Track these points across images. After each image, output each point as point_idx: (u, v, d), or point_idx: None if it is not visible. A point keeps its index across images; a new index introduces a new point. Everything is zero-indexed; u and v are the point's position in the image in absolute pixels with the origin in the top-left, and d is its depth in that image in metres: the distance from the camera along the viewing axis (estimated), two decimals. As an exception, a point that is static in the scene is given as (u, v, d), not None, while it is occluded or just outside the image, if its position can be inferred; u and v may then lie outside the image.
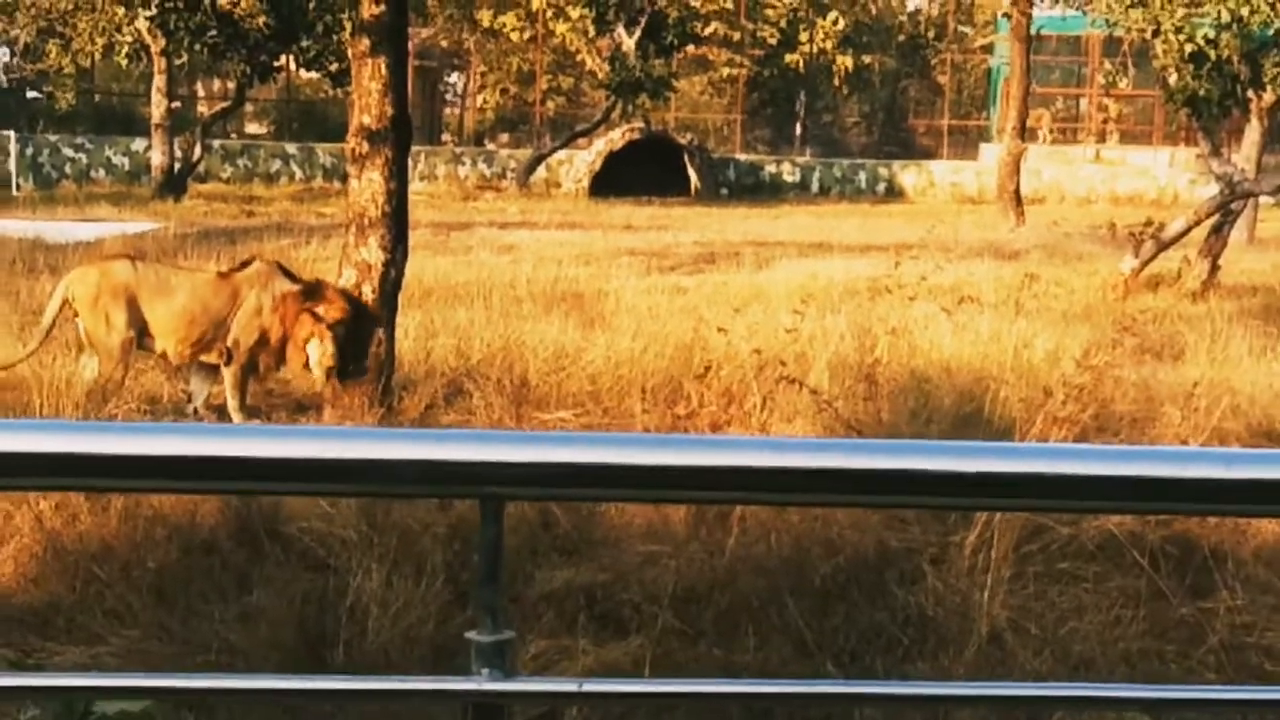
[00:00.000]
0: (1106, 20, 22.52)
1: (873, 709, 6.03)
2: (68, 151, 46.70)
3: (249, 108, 55.25)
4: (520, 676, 2.28)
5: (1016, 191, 35.52)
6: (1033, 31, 37.51)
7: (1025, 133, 36.67)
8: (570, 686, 2.36)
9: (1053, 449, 3.98)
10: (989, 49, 60.11)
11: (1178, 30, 20.39)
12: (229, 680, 3.47)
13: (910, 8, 68.62)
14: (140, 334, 11.10)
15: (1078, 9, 26.24)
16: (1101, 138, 56.37)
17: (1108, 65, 51.54)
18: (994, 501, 3.37)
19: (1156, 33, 20.91)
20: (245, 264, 11.55)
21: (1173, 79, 21.09)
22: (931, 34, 65.79)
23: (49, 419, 9.54)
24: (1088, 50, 57.18)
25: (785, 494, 2.58)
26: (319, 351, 10.84)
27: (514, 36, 56.49)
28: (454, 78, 69.25)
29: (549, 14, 52.28)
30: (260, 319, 10.96)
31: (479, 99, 64.95)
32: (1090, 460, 2.41)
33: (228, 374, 11.03)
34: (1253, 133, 26.16)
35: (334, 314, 10.91)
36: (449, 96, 69.32)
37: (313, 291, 11.09)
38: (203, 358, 11.11)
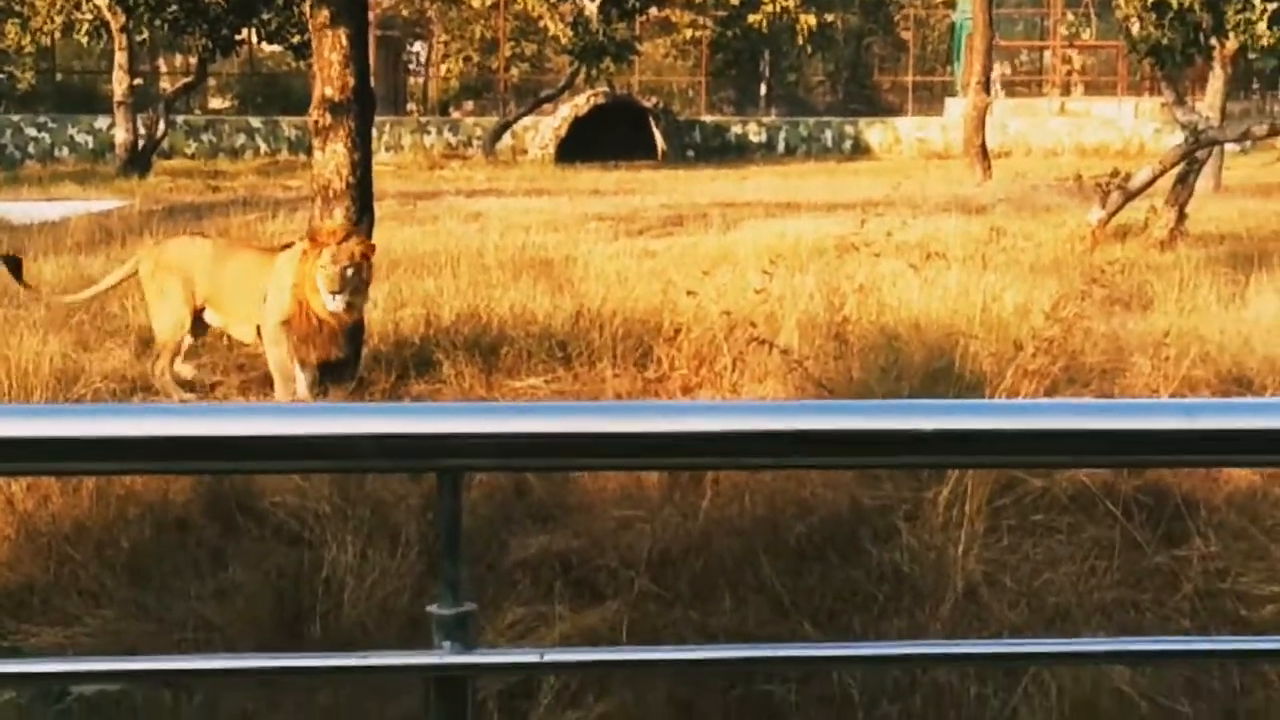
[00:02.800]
0: (1068, -29, 22.58)
1: (851, 669, 6.06)
2: (30, 131, 46.57)
3: (212, 82, 55.02)
4: (482, 649, 2.28)
5: (983, 146, 35.56)
6: (994, -15, 37.52)
7: (990, 86, 36.66)
8: (533, 657, 2.36)
9: (1021, 405, 3.99)
10: (951, 4, 60.05)
11: (1140, -20, 20.41)
12: (202, 661, 3.46)
13: (872, -37, 68.60)
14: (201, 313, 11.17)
15: (1039, -39, 26.31)
16: (1066, 90, 56.41)
17: (1070, 17, 51.68)
18: (966, 459, 3.38)
19: (1119, -17, 20.93)
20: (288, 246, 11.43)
21: (1135, 29, 21.11)
22: (894, -11, 65.78)
23: (15, 403, 9.50)
24: (1050, 3, 57.22)
25: (755, 458, 2.58)
26: (325, 276, 10.58)
27: (476, 3, 56.36)
28: (417, 47, 69.08)
29: (510, -20, 52.15)
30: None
31: (443, 68, 64.76)
32: (1058, 415, 2.42)
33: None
34: (1216, 80, 26.24)
35: (329, 232, 10.74)
36: (412, 66, 69.13)
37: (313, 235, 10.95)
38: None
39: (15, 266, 11.47)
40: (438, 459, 2.19)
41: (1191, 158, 20.35)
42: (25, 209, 25.53)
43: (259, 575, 7.19)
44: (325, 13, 11.16)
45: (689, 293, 11.97)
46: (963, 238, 18.00)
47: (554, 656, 2.41)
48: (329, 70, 11.22)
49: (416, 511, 7.75)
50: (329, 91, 11.21)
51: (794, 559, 7.42)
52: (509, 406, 3.85)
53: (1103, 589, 7.15)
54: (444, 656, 2.21)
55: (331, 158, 11.25)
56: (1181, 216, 19.98)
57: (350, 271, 10.59)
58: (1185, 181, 20.24)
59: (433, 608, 2.24)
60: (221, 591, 7.12)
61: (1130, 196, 20.00)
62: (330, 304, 10.57)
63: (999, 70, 53.82)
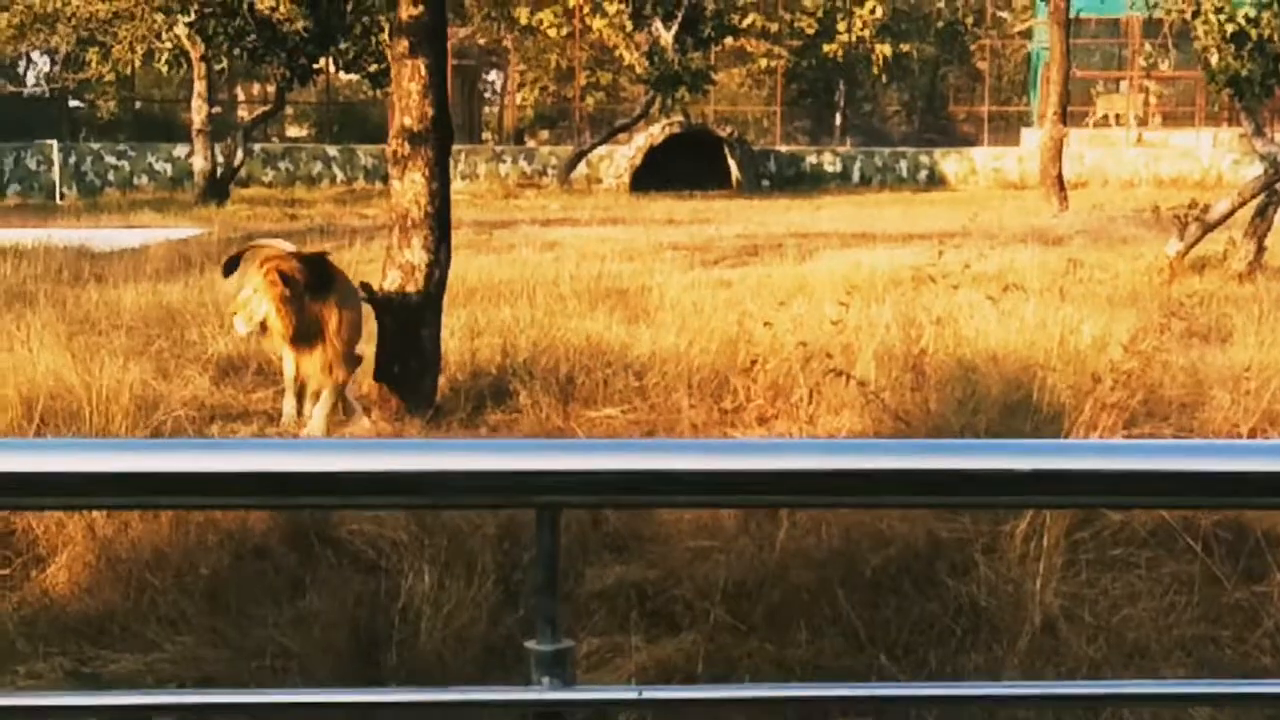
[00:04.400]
0: (1146, 2, 22.46)
1: (928, 708, 6.02)
2: (110, 159, 46.91)
3: (289, 111, 55.33)
4: (579, 685, 2.28)
5: (1059, 176, 35.42)
6: (1072, 15, 37.41)
7: (1067, 117, 36.51)
8: (630, 694, 2.35)
9: (1103, 446, 3.96)
10: (1028, 34, 59.89)
11: (1218, 10, 20.30)
12: (284, 695, 3.48)
13: (948, -6, 68.44)
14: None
15: (1117, -9, 26.18)
16: (1143, 121, 56.08)
17: (1148, 47, 51.40)
18: (1046, 500, 3.35)
19: (1197, 13, 20.83)
20: None
21: (1214, 59, 20.99)
22: (970, 20, 65.51)
23: (100, 438, 9.56)
24: (1128, 32, 56.90)
25: (838, 496, 2.57)
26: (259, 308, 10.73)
27: (552, 33, 56.47)
28: (493, 76, 69.39)
29: (586, 10, 52.23)
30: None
31: (518, 96, 64.97)
32: (1141, 455, 2.40)
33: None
34: (1296, 112, 26.05)
35: (271, 266, 10.80)
36: (488, 95, 69.44)
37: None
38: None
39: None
40: (536, 495, 2.19)
41: (1271, 189, 20.18)
42: (106, 235, 25.77)
43: (336, 603, 7.21)
44: (405, 42, 11.22)
45: (765, 323, 11.97)
46: (1040, 269, 17.92)
47: (652, 694, 2.41)
48: (408, 100, 11.26)
49: (493, 541, 7.76)
50: (408, 121, 11.26)
51: (870, 591, 7.39)
52: (606, 442, 3.87)
53: (1182, 625, 7.10)
54: (543, 693, 2.21)
55: (410, 187, 11.29)
56: (1261, 249, 19.81)
57: (249, 293, 10.80)
58: (1264, 214, 20.08)
59: (531, 643, 2.24)
60: (299, 619, 7.14)
61: (1209, 228, 19.87)
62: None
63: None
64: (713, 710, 2.47)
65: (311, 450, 2.32)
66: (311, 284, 10.68)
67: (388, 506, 5.97)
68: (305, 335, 10.74)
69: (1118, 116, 53.89)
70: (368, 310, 11.44)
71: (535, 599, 2.27)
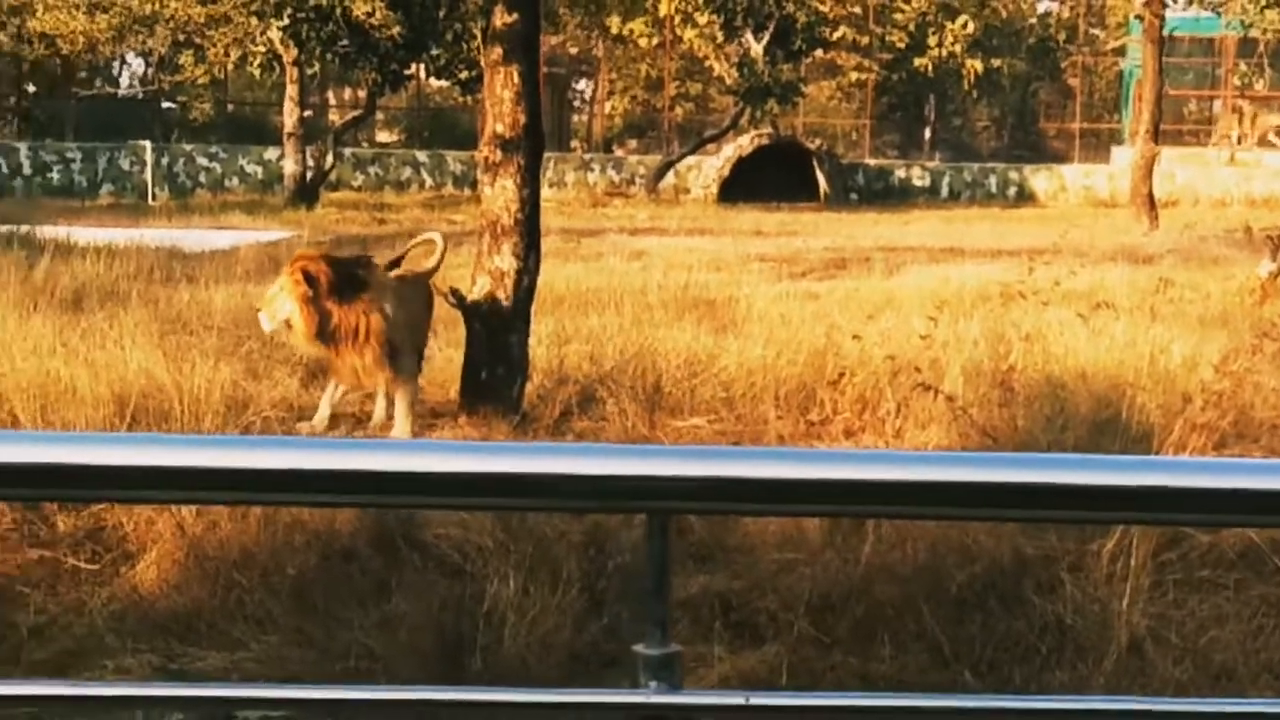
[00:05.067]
0: (1241, 21, 22.35)
1: None
2: (202, 161, 47.27)
3: (380, 116, 55.71)
4: (687, 690, 2.28)
5: (1150, 195, 35.17)
6: (1165, 33, 37.13)
7: (1158, 135, 36.27)
8: (737, 699, 2.36)
9: (1193, 463, 3.94)
10: (1121, 51, 59.49)
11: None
12: (376, 692, 3.50)
13: (1040, 10, 68.10)
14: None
15: (1212, 10, 25.99)
16: (1241, 139, 55.63)
17: (1242, 66, 51.04)
18: (1133, 516, 3.33)
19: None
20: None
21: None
22: (1062, 36, 65.16)
23: (191, 434, 9.65)
24: (1222, 51, 56.52)
25: (963, 508, 2.57)
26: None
27: (642, 43, 56.58)
28: (582, 84, 69.55)
29: (677, 20, 52.25)
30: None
31: (607, 105, 65.13)
32: (1231, 474, 2.38)
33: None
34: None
35: (298, 266, 10.89)
36: (577, 103, 69.61)
37: None
38: None
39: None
40: (648, 500, 2.20)
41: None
42: (196, 237, 25.97)
43: (421, 606, 7.24)
44: (498, 50, 11.26)
45: (854, 336, 11.94)
46: (1130, 287, 17.79)
47: (759, 699, 2.41)
48: (500, 107, 11.31)
49: (578, 547, 7.77)
50: (500, 128, 11.30)
51: (955, 607, 7.37)
52: (720, 450, 3.87)
53: (1270, 648, 7.05)
54: (650, 696, 2.22)
55: (501, 193, 11.33)
56: (1354, 271, 19.60)
57: (275, 291, 10.90)
58: (1359, 235, 19.87)
59: (639, 647, 2.25)
60: (384, 621, 7.18)
61: (1302, 250, 19.67)
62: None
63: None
64: (818, 719, 2.46)
65: (429, 451, 2.34)
66: (338, 286, 10.71)
67: (502, 508, 5.98)
68: (331, 337, 10.77)
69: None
70: (457, 316, 11.49)
71: (646, 603, 2.28)
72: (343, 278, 10.75)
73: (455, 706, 2.39)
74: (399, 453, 2.25)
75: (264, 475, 2.21)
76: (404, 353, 10.99)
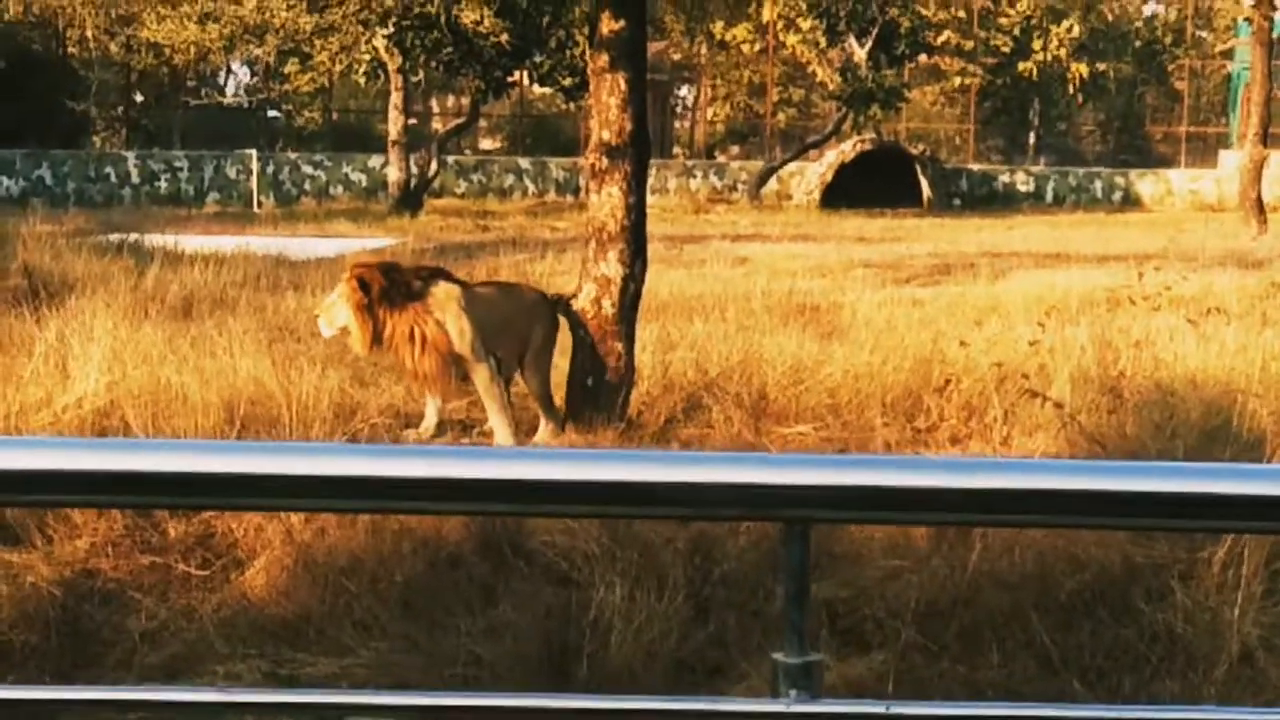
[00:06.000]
0: (1352, 23, 22.06)
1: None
2: (307, 169, 47.70)
3: (483, 124, 55.94)
4: (826, 698, 2.29)
5: (1259, 199, 34.85)
6: (1275, 35, 36.76)
7: (1267, 138, 35.91)
8: (878, 709, 2.36)
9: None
10: (1228, 54, 58.98)
11: None
12: (486, 698, 3.51)
13: (1146, 13, 67.59)
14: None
15: (1322, 12, 25.68)
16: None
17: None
18: (1245, 525, 3.30)
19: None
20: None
21: None
22: (1169, 40, 64.65)
23: (301, 441, 9.72)
24: (1331, 53, 55.83)
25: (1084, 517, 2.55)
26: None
27: (745, 49, 56.59)
28: (684, 90, 69.57)
29: (780, 26, 52.23)
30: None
31: (710, 112, 65.12)
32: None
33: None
34: None
35: (355, 273, 11.02)
36: (679, 110, 69.64)
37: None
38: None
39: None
40: (786, 509, 2.21)
41: None
42: (302, 244, 26.17)
43: (528, 614, 7.25)
44: (605, 57, 11.28)
45: (961, 343, 11.89)
46: (1239, 293, 17.60)
47: (900, 709, 2.41)
48: (606, 114, 11.32)
49: (684, 555, 7.77)
50: (606, 135, 11.32)
51: (1063, 615, 7.31)
52: (854, 458, 3.88)
53: (1385, 659, 6.96)
54: (790, 705, 2.22)
55: (606, 200, 11.35)
56: None
57: (334, 298, 11.13)
58: None
59: (778, 655, 2.26)
60: (491, 628, 7.19)
61: None
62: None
63: None
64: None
65: (564, 460, 2.34)
66: (392, 293, 10.79)
67: (635, 515, 5.97)
68: (389, 343, 10.87)
69: None
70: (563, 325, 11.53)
71: (784, 612, 2.28)
72: (396, 285, 10.85)
73: (573, 715, 2.39)
74: (528, 461, 2.26)
75: (372, 483, 2.23)
76: (476, 361, 10.97)
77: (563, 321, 11.53)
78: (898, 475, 2.21)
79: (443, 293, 11.01)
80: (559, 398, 11.53)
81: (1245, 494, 2.26)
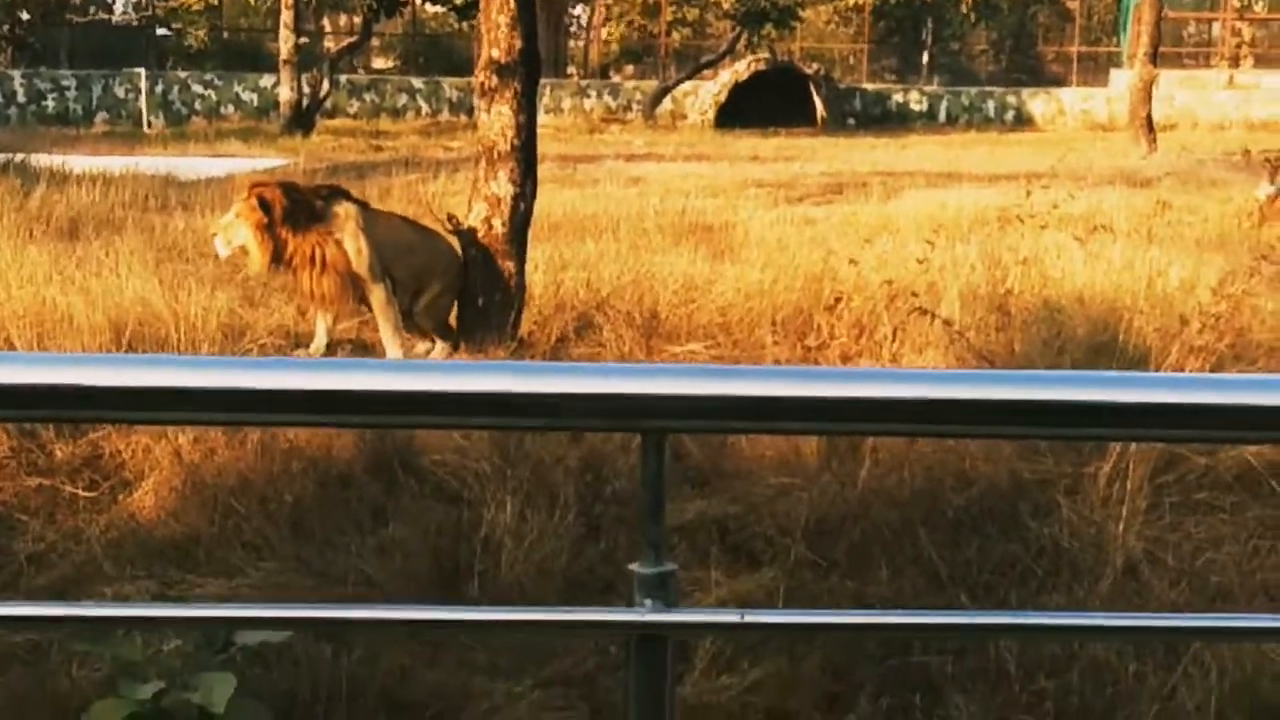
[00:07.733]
0: (1241, -58, 22.18)
1: (1008, 642, 6.04)
2: (197, 88, 47.25)
3: (375, 43, 55.51)
4: (683, 608, 2.28)
5: (1148, 118, 35.08)
6: (1164, -46, 36.98)
7: (1157, 58, 36.14)
8: (732, 617, 2.36)
9: (1187, 379, 3.93)
10: (1119, -27, 59.30)
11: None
12: (375, 610, 3.50)
13: (1039, -68, 67.79)
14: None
15: (1211, -69, 25.81)
16: (1235, 62, 55.44)
17: (1242, -12, 50.74)
18: (1129, 432, 3.32)
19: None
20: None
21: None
22: (1061, -42, 64.96)
23: (193, 355, 9.65)
24: (1221, -27, 56.27)
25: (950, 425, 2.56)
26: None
27: (639, -33, 56.38)
28: (578, 10, 69.25)
29: (674, -56, 52.07)
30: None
31: (604, 31, 64.86)
32: (1226, 390, 2.36)
33: None
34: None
35: (254, 193, 10.95)
36: (573, 29, 69.31)
37: None
38: None
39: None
40: (644, 420, 2.20)
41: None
42: (191, 164, 25.95)
43: (418, 532, 7.25)
44: (494, -26, 11.20)
45: (850, 261, 11.92)
46: (1128, 211, 17.72)
47: (754, 617, 2.41)
48: (496, 32, 11.25)
49: (575, 473, 7.78)
50: (495, 54, 11.25)
51: (952, 531, 7.37)
52: (715, 369, 3.85)
53: (1266, 569, 7.05)
54: (646, 614, 2.22)
55: (497, 119, 11.30)
56: (1353, 193, 19.55)
57: (231, 217, 11.01)
58: (1357, 157, 19.81)
59: (635, 566, 2.25)
60: (381, 547, 7.18)
61: (1300, 172, 19.61)
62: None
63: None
64: (810, 635, 2.47)
65: (425, 371, 2.33)
66: (293, 214, 10.71)
67: (495, 427, 5.94)
68: (288, 264, 10.80)
69: None
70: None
71: (641, 523, 2.28)
72: (299, 206, 10.76)
73: (452, 625, 2.40)
74: (393, 373, 2.24)
75: (259, 395, 2.20)
76: (373, 281, 10.92)
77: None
78: (753, 385, 2.20)
79: (343, 211, 10.95)
80: (450, 316, 11.50)
81: (1131, 402, 2.27)
